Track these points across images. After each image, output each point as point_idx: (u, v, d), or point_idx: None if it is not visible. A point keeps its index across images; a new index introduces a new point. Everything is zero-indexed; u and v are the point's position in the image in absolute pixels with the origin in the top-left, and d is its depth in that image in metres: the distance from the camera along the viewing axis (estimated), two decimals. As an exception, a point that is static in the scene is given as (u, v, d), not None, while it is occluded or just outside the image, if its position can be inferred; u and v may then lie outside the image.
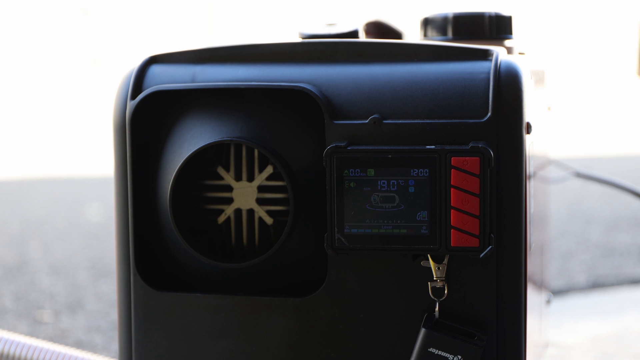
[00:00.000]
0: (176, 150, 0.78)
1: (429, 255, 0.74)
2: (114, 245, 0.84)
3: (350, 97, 0.75)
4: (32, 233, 2.43)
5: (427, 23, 0.90)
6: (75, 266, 2.00)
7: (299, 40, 0.80)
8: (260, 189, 0.77)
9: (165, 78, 0.80)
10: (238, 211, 0.78)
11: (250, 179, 0.77)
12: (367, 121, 0.74)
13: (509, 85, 0.73)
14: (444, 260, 0.74)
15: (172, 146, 0.79)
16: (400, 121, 0.74)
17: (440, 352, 0.73)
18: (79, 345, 1.42)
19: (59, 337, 1.47)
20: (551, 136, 1.06)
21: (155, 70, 0.81)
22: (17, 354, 0.89)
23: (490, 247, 0.72)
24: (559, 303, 1.56)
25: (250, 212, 0.77)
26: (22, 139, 5.30)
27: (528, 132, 0.74)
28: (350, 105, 0.75)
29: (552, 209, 2.51)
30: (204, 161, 0.78)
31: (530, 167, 0.78)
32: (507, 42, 0.87)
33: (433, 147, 0.72)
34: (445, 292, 0.74)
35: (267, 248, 0.77)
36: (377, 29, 1.05)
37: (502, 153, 0.73)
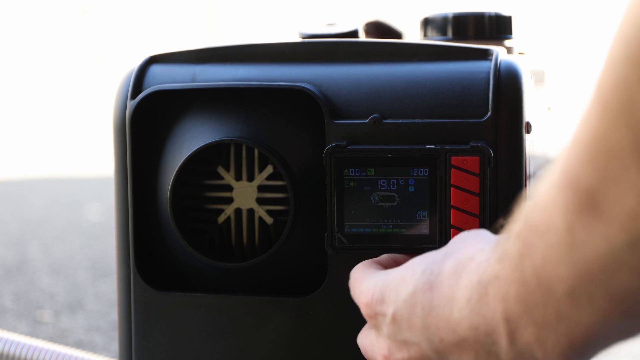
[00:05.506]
0: (176, 150, 0.78)
1: (429, 255, 0.74)
2: (114, 245, 0.84)
3: (350, 97, 0.75)
4: (32, 233, 2.43)
5: (427, 23, 0.90)
6: (75, 266, 2.00)
7: (299, 40, 0.80)
8: (260, 188, 0.77)
9: (165, 78, 0.80)
10: (238, 211, 0.78)
11: (250, 178, 0.77)
12: (367, 121, 0.74)
13: (509, 85, 0.73)
14: (444, 260, 0.74)
15: (172, 146, 0.79)
16: (400, 121, 0.74)
17: (440, 352, 0.73)
18: (79, 345, 1.42)
19: (59, 337, 1.47)
20: (551, 136, 1.06)
21: (155, 70, 0.81)
22: (17, 354, 0.89)
23: (490, 246, 0.71)
24: (559, 303, 1.56)
25: (250, 211, 0.77)
26: (22, 139, 5.30)
27: (528, 132, 0.74)
28: (350, 105, 0.75)
29: (552, 208, 2.49)
30: (204, 161, 0.78)
31: (530, 167, 0.78)
32: (507, 42, 0.87)
33: (433, 146, 0.72)
34: (445, 291, 0.74)
35: (267, 248, 0.77)
36: (377, 29, 1.05)
37: (502, 153, 0.73)
